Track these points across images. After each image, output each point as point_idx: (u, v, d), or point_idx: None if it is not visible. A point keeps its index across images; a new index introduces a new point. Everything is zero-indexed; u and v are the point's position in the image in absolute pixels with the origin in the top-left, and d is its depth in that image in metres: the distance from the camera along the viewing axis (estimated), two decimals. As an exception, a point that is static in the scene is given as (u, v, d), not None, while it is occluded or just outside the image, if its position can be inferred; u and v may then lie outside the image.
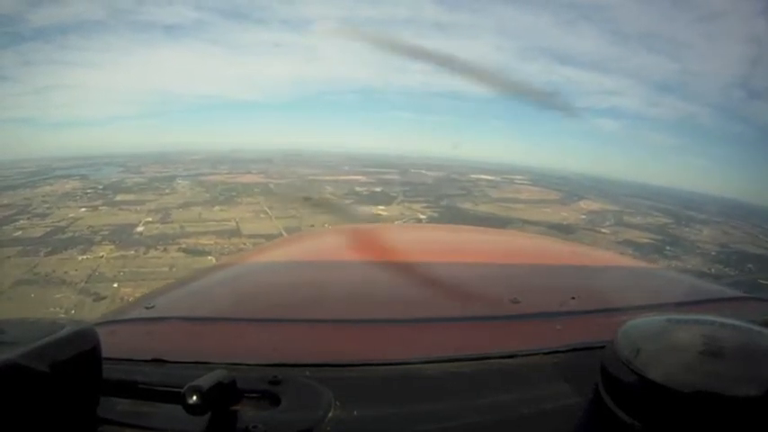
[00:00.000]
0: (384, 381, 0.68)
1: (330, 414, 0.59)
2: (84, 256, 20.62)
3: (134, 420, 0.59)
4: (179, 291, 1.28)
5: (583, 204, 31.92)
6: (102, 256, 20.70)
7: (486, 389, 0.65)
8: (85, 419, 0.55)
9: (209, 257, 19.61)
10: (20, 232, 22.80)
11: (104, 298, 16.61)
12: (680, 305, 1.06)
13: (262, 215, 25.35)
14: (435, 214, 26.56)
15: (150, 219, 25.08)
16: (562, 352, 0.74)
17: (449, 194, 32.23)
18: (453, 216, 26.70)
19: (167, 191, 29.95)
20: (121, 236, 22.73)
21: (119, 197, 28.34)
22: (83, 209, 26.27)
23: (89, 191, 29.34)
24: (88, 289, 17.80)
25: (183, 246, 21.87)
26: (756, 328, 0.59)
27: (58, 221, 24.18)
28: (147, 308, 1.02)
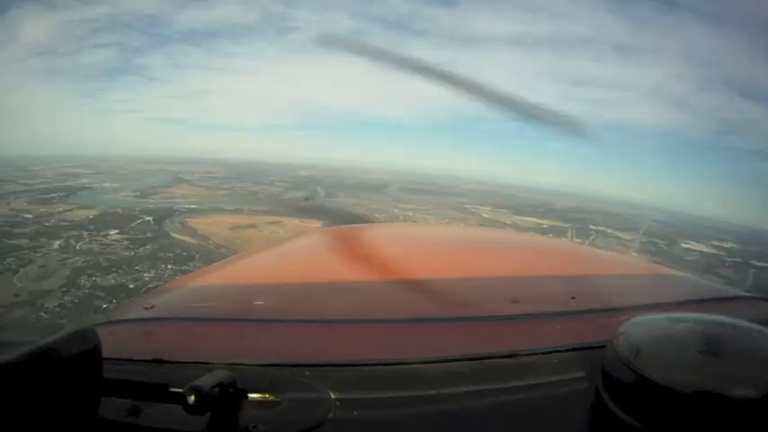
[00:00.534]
0: (384, 381, 0.68)
1: (330, 414, 0.59)
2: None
3: (134, 420, 0.59)
4: (179, 291, 1.28)
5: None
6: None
7: (486, 389, 0.65)
8: (85, 419, 0.55)
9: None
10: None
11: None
12: (680, 305, 1.05)
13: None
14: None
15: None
16: (562, 352, 0.74)
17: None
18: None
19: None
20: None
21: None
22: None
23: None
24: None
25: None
26: (756, 327, 0.59)
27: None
28: (146, 308, 1.01)
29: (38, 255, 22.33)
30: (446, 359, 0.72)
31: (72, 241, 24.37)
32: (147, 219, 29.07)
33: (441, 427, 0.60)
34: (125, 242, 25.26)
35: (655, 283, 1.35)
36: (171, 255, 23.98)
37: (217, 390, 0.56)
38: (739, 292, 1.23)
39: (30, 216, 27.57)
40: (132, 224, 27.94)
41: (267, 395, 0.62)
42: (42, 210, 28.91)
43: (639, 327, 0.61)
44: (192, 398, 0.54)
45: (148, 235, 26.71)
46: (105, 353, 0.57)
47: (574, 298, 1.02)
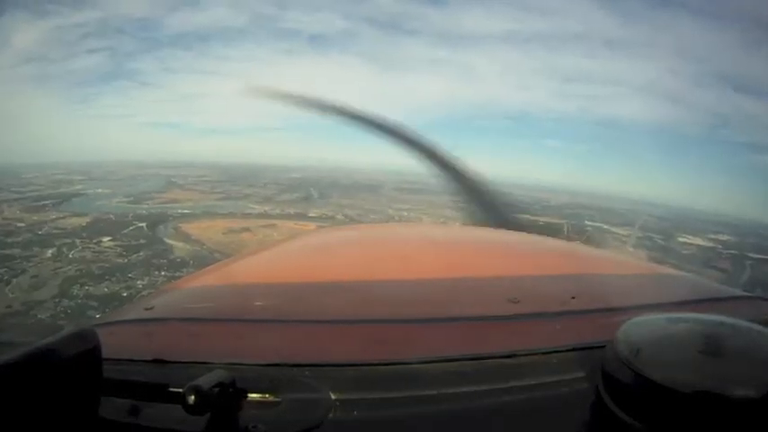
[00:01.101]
0: (384, 381, 0.68)
1: (330, 414, 0.59)
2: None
3: (134, 420, 0.59)
4: (179, 291, 1.28)
5: None
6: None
7: (486, 389, 0.65)
8: (85, 419, 0.55)
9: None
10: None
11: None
12: (680, 305, 1.05)
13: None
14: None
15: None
16: (562, 352, 0.74)
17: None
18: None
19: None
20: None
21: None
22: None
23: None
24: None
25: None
26: (756, 327, 0.59)
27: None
28: (146, 308, 1.02)
29: (30, 264, 22.25)
30: (446, 359, 0.72)
31: (65, 249, 24.30)
32: (141, 225, 28.97)
33: (441, 427, 0.60)
34: (118, 249, 25.20)
35: (654, 283, 1.35)
36: (165, 261, 23.93)
37: (216, 390, 0.56)
38: (739, 292, 1.23)
39: (22, 224, 27.44)
40: (125, 230, 27.83)
41: (267, 395, 0.62)
42: (35, 218, 28.75)
43: (639, 327, 0.61)
44: (192, 398, 0.54)
45: (142, 241, 26.63)
46: (105, 353, 0.57)
47: (574, 298, 1.02)
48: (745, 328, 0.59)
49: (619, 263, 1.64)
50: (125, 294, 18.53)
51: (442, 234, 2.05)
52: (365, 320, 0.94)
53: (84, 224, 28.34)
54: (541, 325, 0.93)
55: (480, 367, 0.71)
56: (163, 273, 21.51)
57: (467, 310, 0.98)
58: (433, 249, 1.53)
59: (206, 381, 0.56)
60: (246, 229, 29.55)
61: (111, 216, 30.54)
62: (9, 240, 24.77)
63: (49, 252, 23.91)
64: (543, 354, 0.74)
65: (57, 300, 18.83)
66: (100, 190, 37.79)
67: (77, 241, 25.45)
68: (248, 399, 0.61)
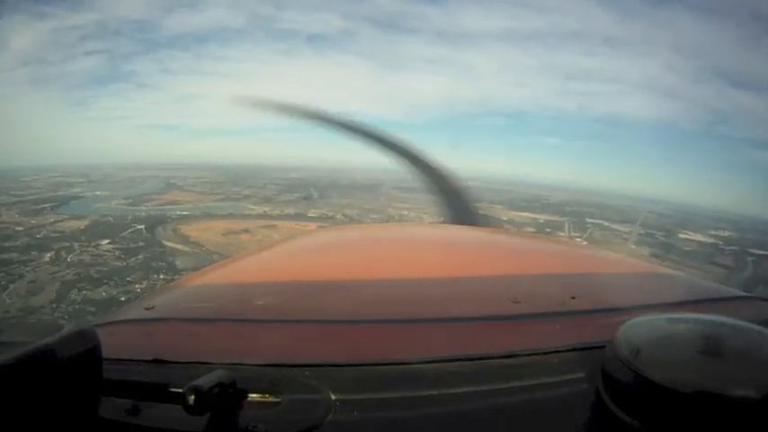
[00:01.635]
0: (384, 381, 0.68)
1: (330, 414, 0.60)
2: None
3: (134, 420, 0.59)
4: (179, 291, 1.27)
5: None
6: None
7: (486, 389, 0.65)
8: (86, 419, 0.55)
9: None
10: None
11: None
12: (680, 305, 1.04)
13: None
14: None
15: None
16: (562, 352, 0.74)
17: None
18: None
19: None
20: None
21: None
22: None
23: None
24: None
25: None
26: (756, 327, 0.59)
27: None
28: (146, 308, 1.01)
29: (28, 269, 22.14)
30: (446, 359, 0.72)
31: (63, 253, 24.17)
32: (140, 227, 28.86)
33: (441, 427, 0.60)
34: (117, 252, 25.10)
35: (654, 283, 1.34)
36: (163, 264, 23.84)
37: (217, 390, 0.56)
38: (739, 292, 1.22)
39: (20, 228, 27.32)
40: (124, 233, 27.74)
41: (267, 395, 0.62)
42: (33, 221, 28.65)
43: (639, 327, 0.61)
44: (192, 398, 0.54)
45: (140, 244, 26.53)
46: (105, 353, 0.57)
47: (574, 298, 1.01)
48: (745, 329, 0.59)
49: (618, 263, 1.62)
50: (123, 299, 18.40)
51: (442, 234, 2.04)
52: (365, 320, 0.94)
53: (83, 227, 28.24)
54: (541, 325, 0.93)
55: (480, 367, 0.70)
56: (161, 276, 21.40)
57: (467, 310, 0.97)
58: (434, 249, 1.53)
59: (206, 381, 0.55)
60: (246, 230, 29.46)
61: (110, 218, 30.45)
62: (7, 245, 24.66)
63: (47, 256, 23.80)
64: (543, 354, 0.74)
65: (54, 305, 18.73)
66: (98, 192, 37.71)
67: (76, 245, 25.33)
68: (248, 399, 0.61)
